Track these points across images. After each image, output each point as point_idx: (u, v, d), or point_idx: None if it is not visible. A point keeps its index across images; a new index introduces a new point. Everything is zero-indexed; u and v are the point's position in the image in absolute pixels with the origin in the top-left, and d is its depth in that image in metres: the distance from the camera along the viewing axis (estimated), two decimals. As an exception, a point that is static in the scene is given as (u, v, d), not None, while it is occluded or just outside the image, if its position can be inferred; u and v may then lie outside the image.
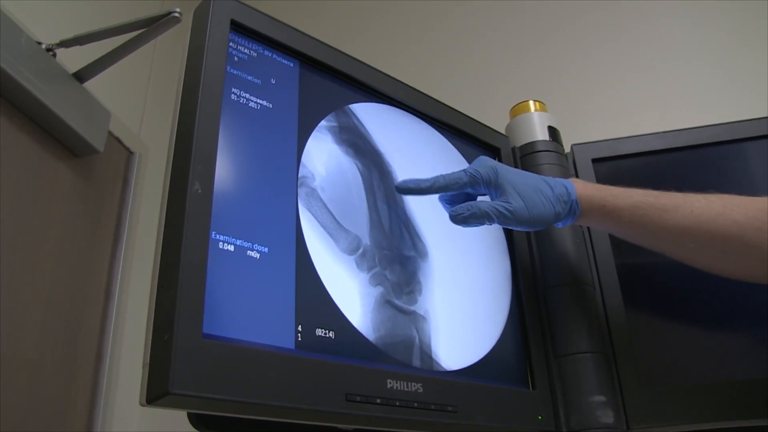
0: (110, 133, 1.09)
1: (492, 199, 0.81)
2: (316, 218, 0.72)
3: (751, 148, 0.97)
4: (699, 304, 0.90)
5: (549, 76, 1.39)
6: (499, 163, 0.82)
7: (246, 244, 0.65)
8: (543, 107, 1.06)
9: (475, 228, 0.84)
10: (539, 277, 0.93)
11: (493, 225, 0.80)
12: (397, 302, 0.76)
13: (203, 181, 0.63)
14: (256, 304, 0.63)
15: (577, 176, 0.99)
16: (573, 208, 0.81)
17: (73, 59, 0.99)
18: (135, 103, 1.45)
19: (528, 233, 0.96)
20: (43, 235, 0.92)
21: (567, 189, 0.81)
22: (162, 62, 1.58)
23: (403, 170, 0.85)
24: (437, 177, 0.79)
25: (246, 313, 0.62)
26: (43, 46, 0.94)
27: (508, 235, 0.95)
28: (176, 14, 0.92)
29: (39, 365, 0.88)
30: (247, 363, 0.59)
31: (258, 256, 0.65)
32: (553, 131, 1.02)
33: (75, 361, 0.96)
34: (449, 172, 0.80)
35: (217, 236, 0.63)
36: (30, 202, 0.90)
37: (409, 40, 1.56)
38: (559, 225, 0.84)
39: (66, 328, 0.95)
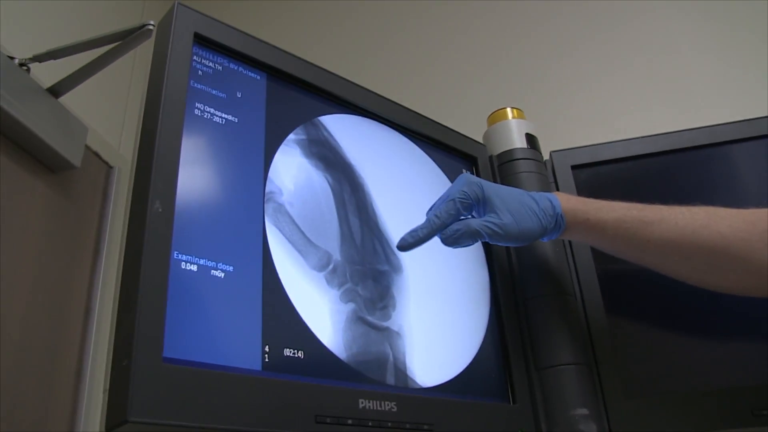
0: (88, 148, 1.07)
1: (479, 215, 0.79)
2: (284, 235, 0.71)
3: (734, 150, 0.96)
4: (681, 313, 0.89)
5: (526, 81, 1.37)
6: (481, 179, 0.80)
7: (210, 264, 0.64)
8: (521, 114, 1.04)
9: None
10: (519, 288, 0.92)
11: None
12: (370, 318, 0.74)
13: (164, 199, 0.62)
14: (220, 325, 0.62)
15: (556, 184, 0.98)
16: (558, 222, 0.80)
17: (47, 74, 0.97)
18: (114, 117, 1.43)
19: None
20: (22, 253, 0.91)
21: (552, 202, 0.80)
22: (141, 74, 1.56)
23: (375, 183, 0.84)
24: (430, 219, 0.77)
25: (210, 334, 0.61)
26: (17, 61, 0.93)
27: (486, 245, 0.94)
28: (150, 27, 0.91)
29: (17, 383, 0.86)
30: (211, 387, 0.58)
31: (222, 275, 0.64)
32: (531, 138, 1.01)
33: (54, 379, 0.95)
34: (425, 185, 0.79)
35: (180, 256, 0.62)
36: (7, 220, 0.89)
37: (380, 48, 1.54)
38: (544, 240, 0.83)
39: (45, 346, 0.93)
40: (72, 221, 1.04)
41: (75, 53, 0.94)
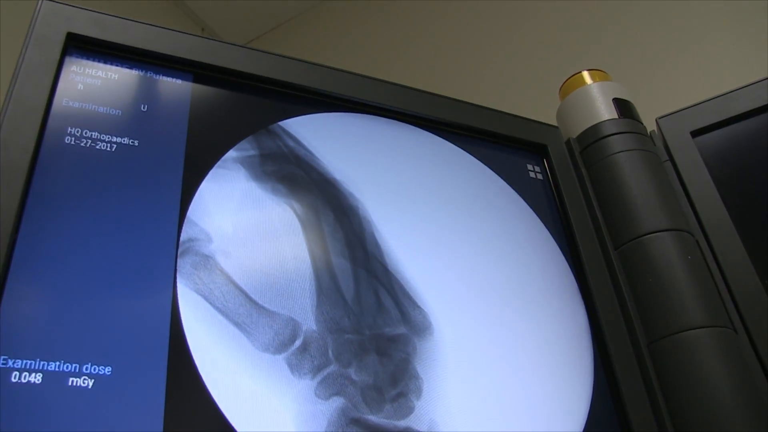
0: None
1: None
2: (211, 303, 0.45)
3: None
4: None
5: (606, 41, 1.02)
6: None
7: (68, 368, 0.39)
8: (604, 76, 0.73)
9: (521, 266, 0.53)
10: (639, 327, 0.59)
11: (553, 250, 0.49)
12: (374, 418, 0.46)
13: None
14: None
15: (672, 161, 0.65)
16: None
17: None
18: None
19: (608, 259, 0.62)
20: None
21: None
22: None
23: (379, 203, 0.56)
24: None
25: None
26: None
27: (578, 265, 0.62)
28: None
29: None
30: None
31: (91, 383, 0.39)
32: (623, 105, 0.69)
33: None
34: (468, 196, 0.51)
35: (9, 363, 0.37)
36: None
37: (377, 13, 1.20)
38: None
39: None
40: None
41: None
